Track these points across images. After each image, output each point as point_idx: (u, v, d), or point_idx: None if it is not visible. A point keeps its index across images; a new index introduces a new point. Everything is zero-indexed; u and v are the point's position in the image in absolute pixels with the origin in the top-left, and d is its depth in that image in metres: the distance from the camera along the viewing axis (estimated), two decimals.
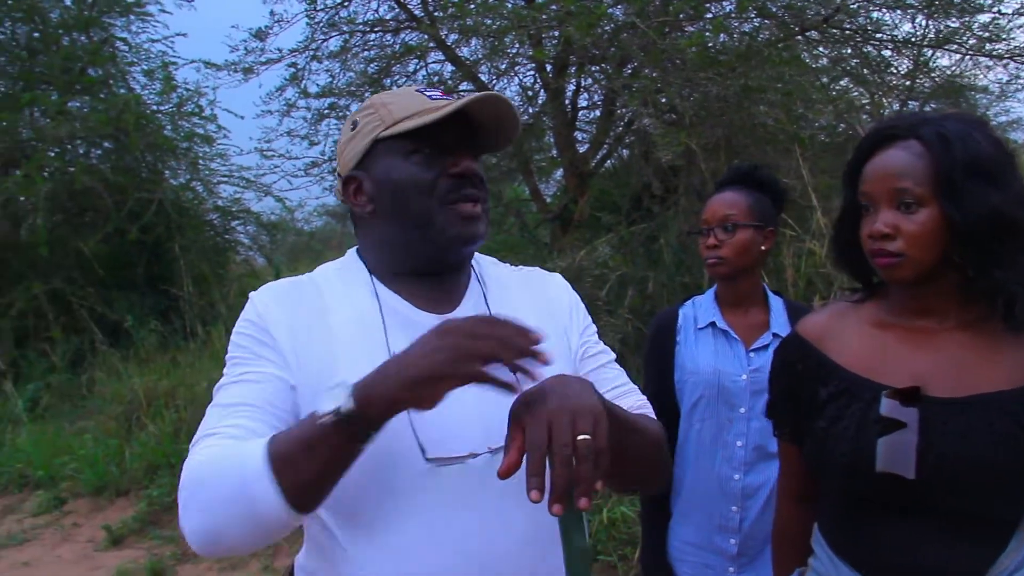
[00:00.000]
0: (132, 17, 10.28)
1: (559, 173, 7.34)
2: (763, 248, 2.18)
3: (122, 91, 9.82)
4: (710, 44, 5.33)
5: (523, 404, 1.03)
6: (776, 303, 2.23)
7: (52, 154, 9.31)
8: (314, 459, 1.02)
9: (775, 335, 2.13)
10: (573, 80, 6.60)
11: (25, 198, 8.76)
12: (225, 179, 10.28)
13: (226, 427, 1.14)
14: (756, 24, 5.86)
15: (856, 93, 6.32)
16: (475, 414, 1.19)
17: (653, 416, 1.37)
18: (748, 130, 5.52)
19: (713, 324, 2.20)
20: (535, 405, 1.01)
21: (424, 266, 1.32)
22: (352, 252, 1.41)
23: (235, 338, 1.25)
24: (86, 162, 9.50)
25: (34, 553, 5.27)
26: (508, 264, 1.52)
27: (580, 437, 0.96)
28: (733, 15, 5.70)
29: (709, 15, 5.67)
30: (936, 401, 1.34)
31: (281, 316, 1.24)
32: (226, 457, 1.07)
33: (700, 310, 2.26)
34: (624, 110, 6.28)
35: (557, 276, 1.52)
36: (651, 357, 2.29)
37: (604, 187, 6.93)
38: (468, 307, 1.34)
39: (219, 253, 10.52)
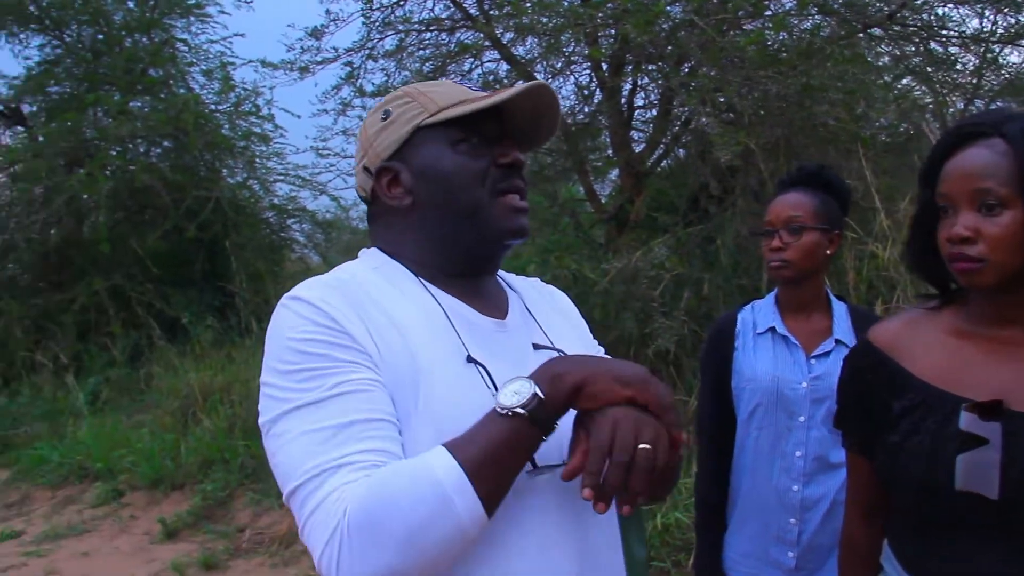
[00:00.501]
0: (192, 18, 10.51)
1: (614, 173, 7.27)
2: (828, 252, 2.10)
3: (182, 91, 10.03)
4: (770, 42, 5.23)
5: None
6: (839, 308, 2.15)
7: (114, 153, 9.50)
8: (517, 457, 1.00)
9: (838, 341, 2.06)
10: (629, 79, 6.52)
11: (88, 196, 8.95)
12: (281, 178, 10.44)
13: (358, 455, 1.00)
14: (817, 21, 5.72)
15: (920, 92, 6.15)
16: (565, 420, 1.09)
17: None
18: (808, 130, 5.39)
19: (773, 329, 2.13)
20: (602, 408, 1.01)
21: (466, 262, 1.25)
22: (374, 252, 1.28)
23: (300, 346, 1.07)
24: (146, 161, 9.70)
25: (93, 543, 5.38)
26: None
27: (641, 446, 0.97)
28: (793, 12, 5.57)
29: (768, 12, 5.55)
30: (1019, 416, 1.26)
31: (351, 313, 1.10)
32: (407, 481, 0.96)
33: (760, 315, 2.19)
34: (681, 109, 6.20)
35: (560, 292, 1.49)
36: (708, 362, 2.24)
37: (661, 187, 6.83)
38: (516, 314, 1.29)
39: (275, 251, 10.67)
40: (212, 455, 6.04)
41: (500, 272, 1.39)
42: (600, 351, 1.40)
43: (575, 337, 1.36)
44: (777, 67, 4.82)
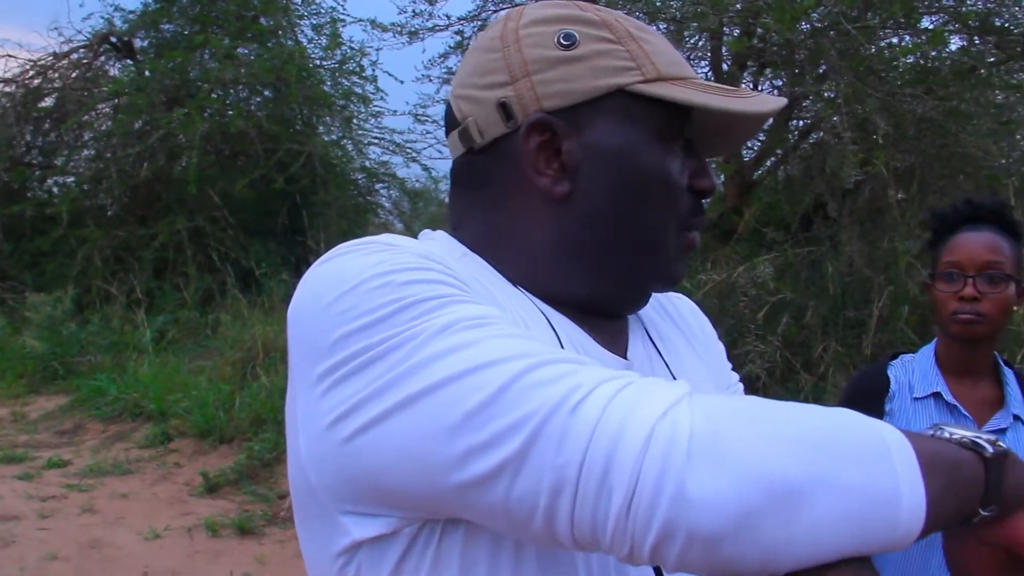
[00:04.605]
0: None
1: (719, 180, 6.89)
2: (1015, 308, 1.70)
3: (289, 43, 9.96)
4: (921, 58, 4.76)
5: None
6: (1009, 376, 1.74)
7: (214, 96, 9.49)
8: (960, 492, 0.61)
9: (1016, 417, 1.66)
10: (750, 82, 6.12)
11: (183, 135, 8.94)
12: (376, 141, 10.33)
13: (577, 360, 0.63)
14: (973, 42, 5.21)
15: None
16: None
17: None
18: (945, 159, 4.93)
19: (937, 395, 1.72)
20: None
21: (600, 303, 0.85)
22: (445, 239, 0.87)
23: (400, 278, 0.66)
24: (244, 108, 9.69)
25: (133, 486, 5.25)
26: None
27: None
28: (951, 29, 5.07)
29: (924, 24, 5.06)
30: None
31: (465, 278, 0.73)
32: (817, 413, 0.61)
33: (917, 375, 1.76)
34: (801, 121, 5.79)
35: (687, 299, 1.06)
36: None
37: (771, 200, 6.42)
38: (638, 348, 0.89)
39: (359, 213, 10.57)
40: (265, 414, 5.84)
41: None
42: (739, 388, 1.02)
43: (709, 382, 0.96)
44: (927, 85, 4.36)
